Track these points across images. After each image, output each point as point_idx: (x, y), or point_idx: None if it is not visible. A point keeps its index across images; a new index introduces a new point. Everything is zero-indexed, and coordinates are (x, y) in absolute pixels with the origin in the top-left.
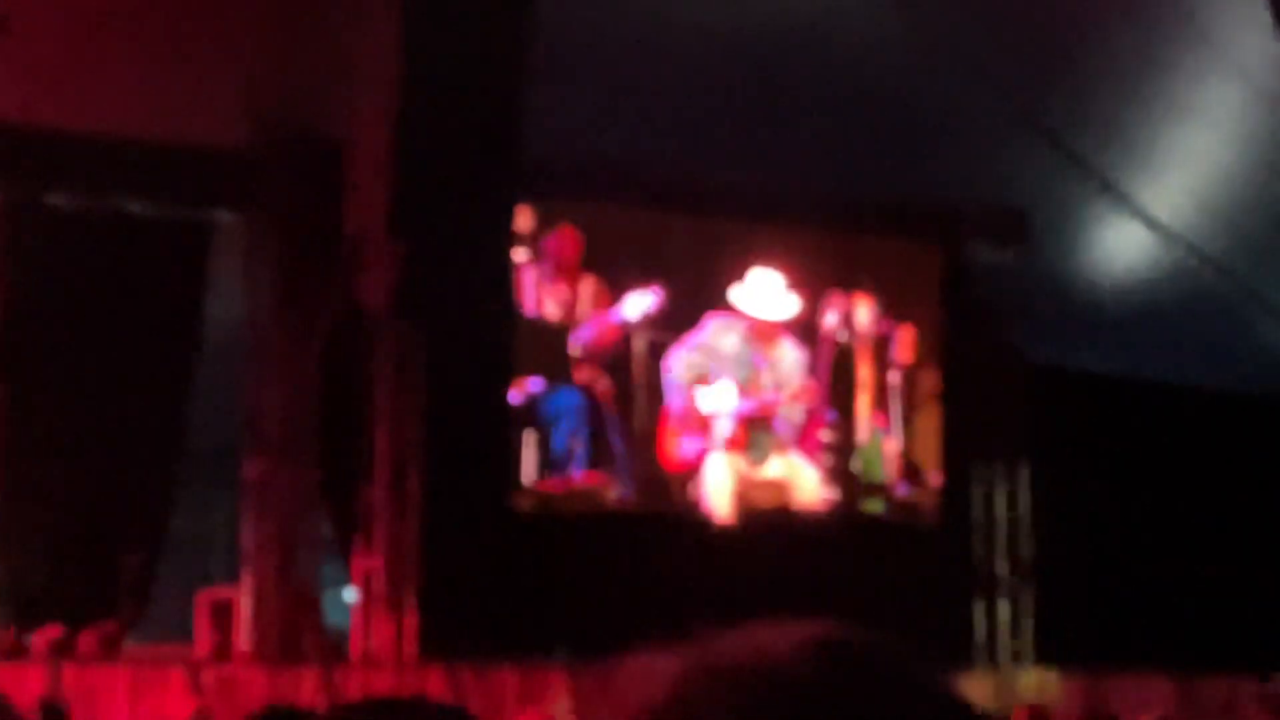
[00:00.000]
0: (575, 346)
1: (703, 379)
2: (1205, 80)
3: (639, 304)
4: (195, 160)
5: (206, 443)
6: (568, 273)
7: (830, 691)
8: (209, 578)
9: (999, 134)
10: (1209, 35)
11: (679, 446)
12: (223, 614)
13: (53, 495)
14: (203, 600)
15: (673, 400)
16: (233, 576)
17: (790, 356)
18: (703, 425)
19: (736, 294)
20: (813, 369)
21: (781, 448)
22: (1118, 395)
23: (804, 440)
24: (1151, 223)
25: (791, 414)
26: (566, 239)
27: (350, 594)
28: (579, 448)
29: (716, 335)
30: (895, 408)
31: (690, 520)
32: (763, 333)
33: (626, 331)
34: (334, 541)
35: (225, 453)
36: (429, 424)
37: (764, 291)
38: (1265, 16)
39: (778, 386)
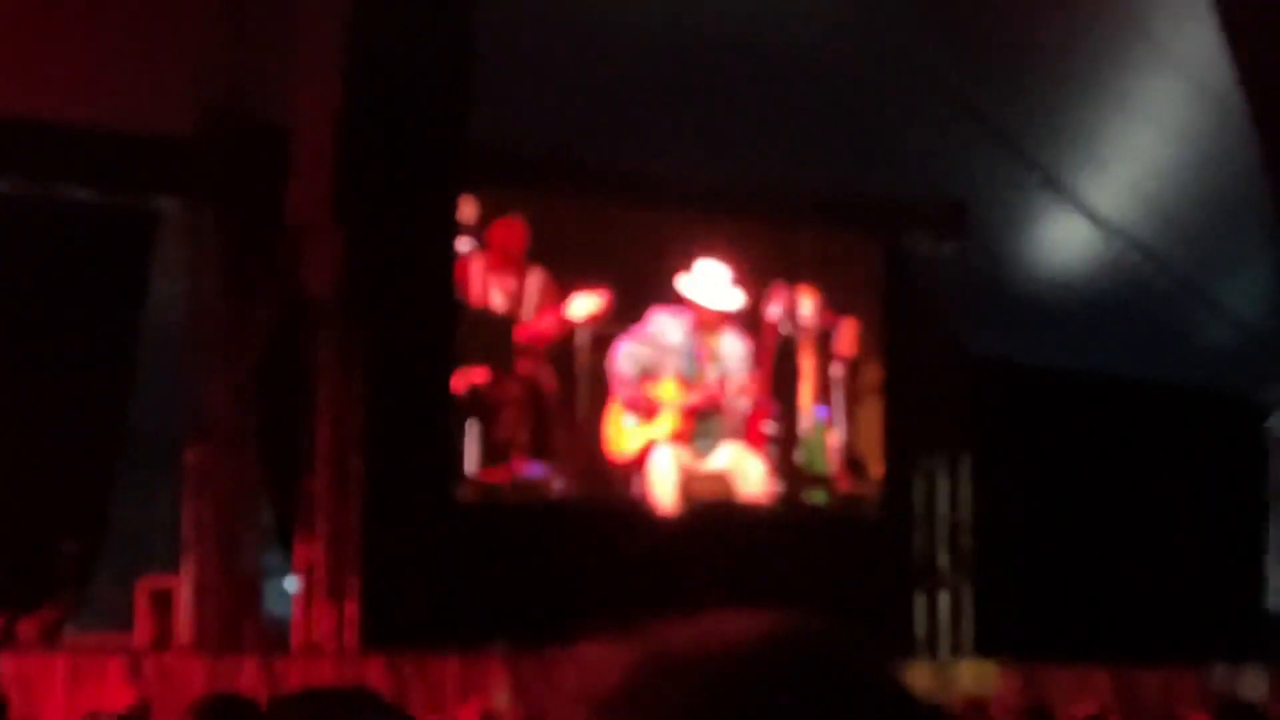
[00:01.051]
0: (521, 338)
1: (648, 372)
2: (1147, 74)
3: (585, 305)
4: (138, 147)
5: (148, 430)
6: (513, 263)
7: (784, 680)
8: (149, 566)
9: (941, 127)
10: (1150, 29)
11: (624, 439)
12: (163, 602)
13: None
14: (143, 588)
15: (619, 392)
16: (173, 565)
17: (734, 348)
18: (648, 415)
19: (682, 285)
20: (756, 361)
21: (726, 439)
22: (1059, 388)
23: (748, 432)
24: (1093, 216)
25: (737, 405)
26: (512, 229)
27: (292, 583)
28: (522, 438)
29: (661, 328)
30: (838, 400)
31: (633, 511)
32: (707, 324)
33: (572, 326)
34: (275, 530)
35: (167, 440)
36: (371, 413)
37: (709, 283)
38: (1206, 11)
39: (722, 378)
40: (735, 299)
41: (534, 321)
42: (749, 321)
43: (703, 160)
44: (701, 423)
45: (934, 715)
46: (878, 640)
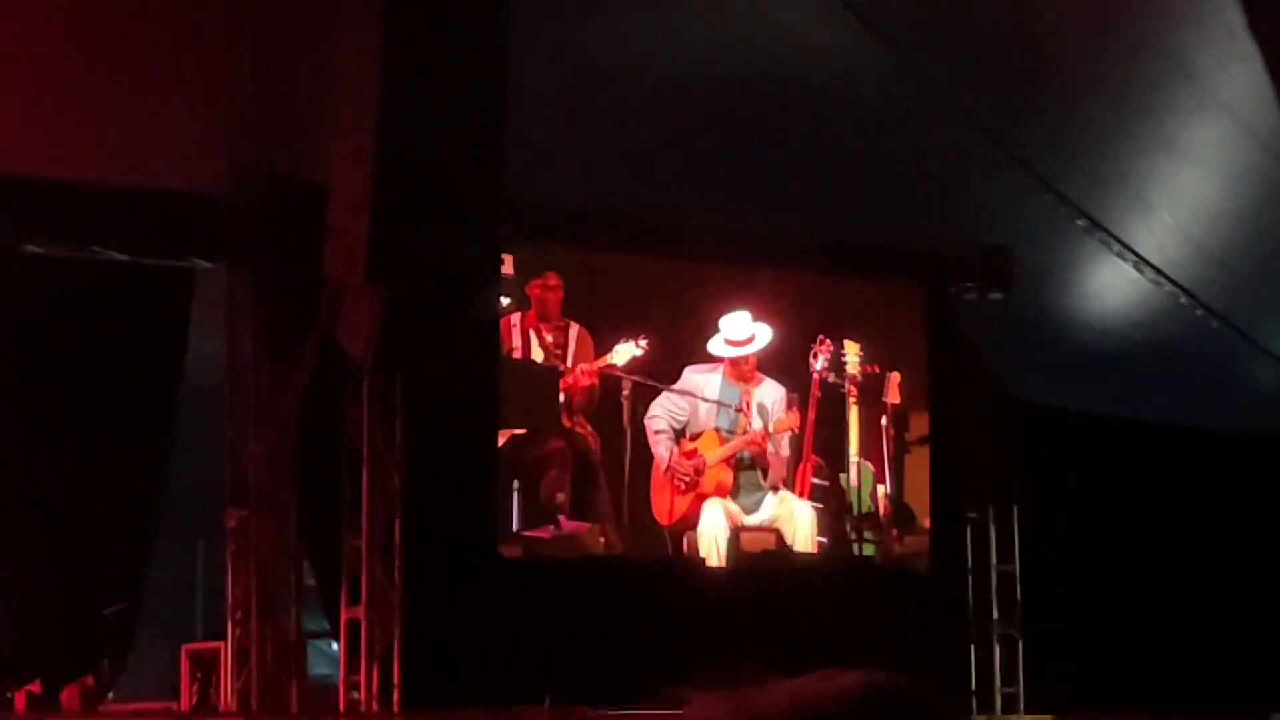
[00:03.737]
0: (562, 393)
1: (688, 430)
2: (1192, 117)
3: (626, 352)
4: (174, 207)
5: (187, 493)
6: (553, 320)
7: None
8: (191, 631)
9: (985, 174)
10: (1196, 73)
11: (668, 501)
12: (205, 667)
13: (30, 547)
14: (185, 654)
15: (658, 452)
16: (215, 629)
17: (774, 397)
18: (691, 473)
19: (713, 343)
20: (801, 413)
21: (773, 490)
22: (1108, 436)
23: (795, 484)
24: (1140, 262)
25: (780, 448)
26: (550, 285)
27: (334, 645)
28: (565, 495)
29: (698, 383)
30: (885, 451)
31: (682, 566)
32: (744, 376)
33: (613, 373)
34: (317, 592)
35: (206, 503)
36: (413, 472)
37: (736, 333)
38: (1253, 54)
39: (765, 429)
40: (763, 339)
41: (575, 374)
42: (793, 374)
43: (743, 212)
44: (746, 474)
45: None
46: (951, 697)
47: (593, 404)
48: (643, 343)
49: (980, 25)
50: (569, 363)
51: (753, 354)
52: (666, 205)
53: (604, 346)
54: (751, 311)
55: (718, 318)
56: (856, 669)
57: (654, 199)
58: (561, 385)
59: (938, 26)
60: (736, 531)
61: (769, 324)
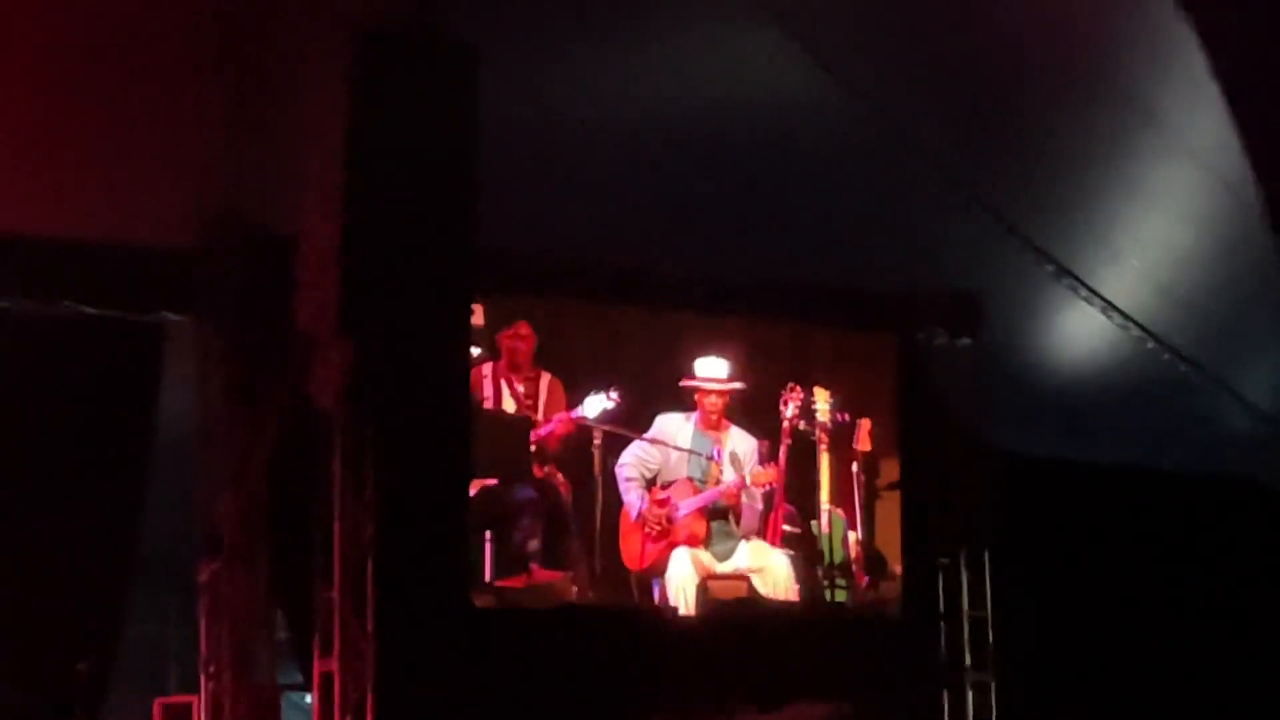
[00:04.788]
0: (533, 443)
1: (658, 478)
2: (1158, 163)
3: (598, 404)
4: (142, 261)
5: (160, 547)
6: (524, 370)
7: None
8: (165, 685)
9: (954, 221)
10: (1161, 119)
11: (638, 547)
12: None
13: (2, 603)
14: (159, 708)
15: (628, 499)
16: (189, 683)
17: (745, 446)
18: (663, 521)
19: (687, 381)
20: (773, 460)
21: (745, 539)
22: (1079, 481)
23: (767, 532)
24: (1108, 306)
25: (754, 501)
26: (521, 335)
27: (308, 698)
28: (538, 544)
29: (668, 430)
30: (857, 498)
31: (654, 614)
32: (715, 424)
33: (584, 428)
34: (291, 644)
35: (179, 556)
36: (385, 522)
37: (711, 374)
38: (1217, 98)
39: (737, 477)
40: (740, 390)
41: (546, 425)
42: (764, 422)
43: (712, 260)
44: (718, 523)
45: None
46: None
47: (565, 454)
48: (614, 395)
49: (948, 73)
50: (540, 413)
51: (726, 391)
52: (637, 254)
53: (576, 396)
54: (727, 359)
55: (689, 365)
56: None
57: (624, 248)
58: (533, 436)
59: (905, 74)
60: (705, 580)
61: (744, 377)
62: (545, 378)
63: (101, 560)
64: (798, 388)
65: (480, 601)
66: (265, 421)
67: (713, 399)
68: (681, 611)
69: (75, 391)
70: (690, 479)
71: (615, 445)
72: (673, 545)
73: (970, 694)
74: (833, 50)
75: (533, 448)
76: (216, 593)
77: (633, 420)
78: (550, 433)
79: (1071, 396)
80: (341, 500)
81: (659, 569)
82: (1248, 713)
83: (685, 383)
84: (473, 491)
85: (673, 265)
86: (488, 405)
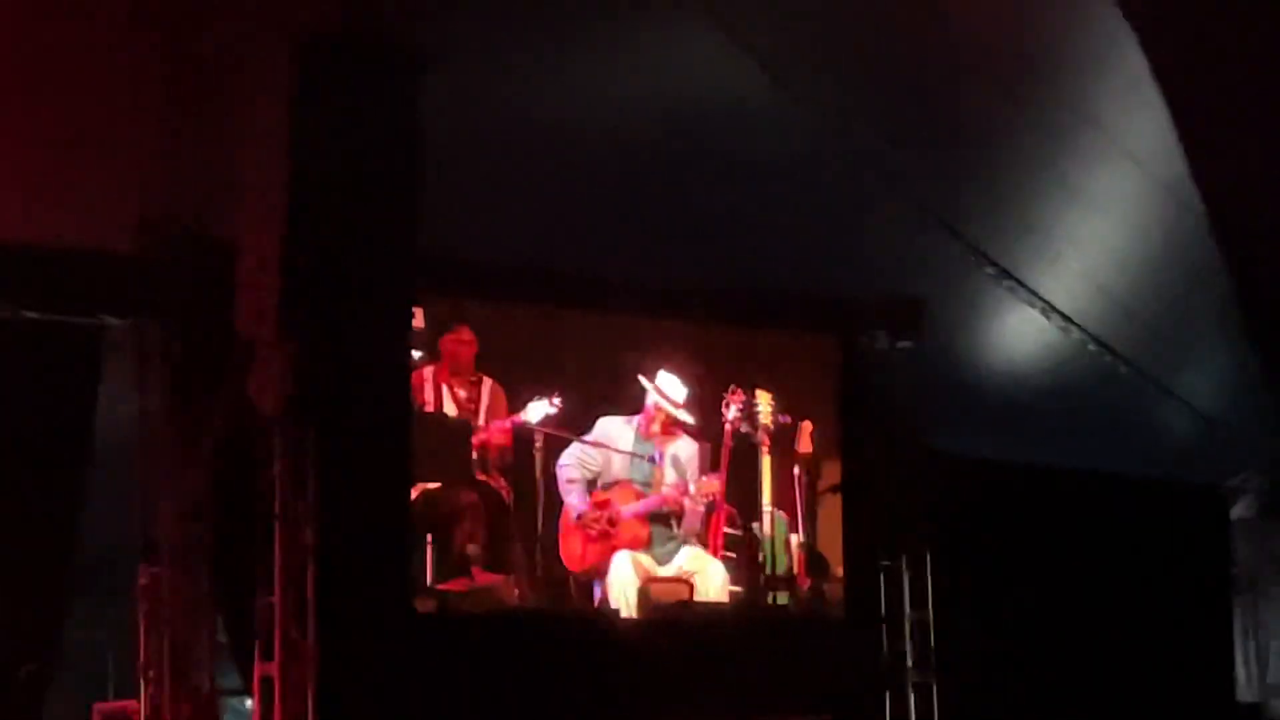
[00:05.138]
0: (474, 447)
1: (600, 480)
2: (1098, 166)
3: (540, 410)
4: (81, 265)
5: (99, 551)
6: (465, 374)
7: None
8: (104, 690)
9: (895, 224)
10: (1101, 121)
11: (579, 547)
12: None
13: None
14: (99, 713)
15: (569, 501)
16: (128, 688)
17: (688, 451)
18: (604, 523)
19: (632, 390)
20: (714, 464)
21: (686, 542)
22: (1021, 483)
23: (708, 535)
24: (1048, 309)
25: (695, 508)
26: (462, 340)
27: (248, 702)
28: (479, 548)
29: (610, 433)
30: (798, 500)
31: (594, 618)
32: (659, 428)
33: (526, 432)
34: (231, 648)
35: (119, 561)
36: (325, 527)
37: (660, 387)
38: (1157, 101)
39: (679, 482)
40: (680, 395)
41: (488, 429)
42: (705, 424)
43: (653, 264)
44: (659, 527)
45: None
46: None
47: (506, 460)
48: (556, 401)
49: (886, 77)
50: (482, 418)
51: (681, 421)
52: (578, 259)
53: (517, 401)
54: (664, 364)
55: (631, 369)
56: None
57: (565, 252)
58: (474, 442)
59: (844, 78)
60: (647, 583)
61: (686, 380)
62: (487, 383)
63: (41, 565)
64: (739, 390)
65: (421, 605)
66: (206, 425)
67: (663, 415)
68: (623, 614)
69: (14, 395)
70: (632, 481)
71: (557, 448)
72: (614, 548)
73: (912, 695)
74: (775, 55)
75: (475, 455)
76: (155, 597)
77: (574, 423)
78: (491, 440)
79: (1012, 399)
80: (282, 504)
81: (599, 571)
82: (1185, 713)
83: (652, 396)
84: (414, 495)
85: (616, 269)
86: (428, 409)
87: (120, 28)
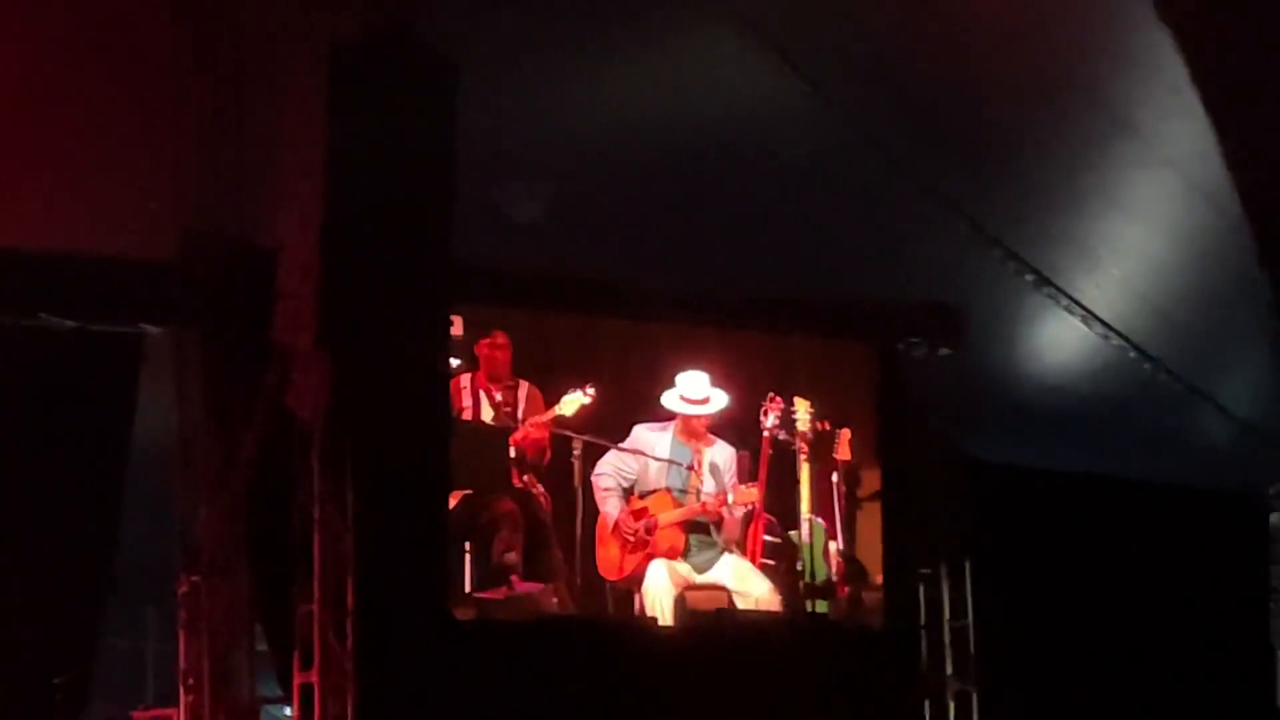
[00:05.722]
0: (512, 453)
1: (637, 489)
2: (1137, 173)
3: (575, 402)
4: (121, 274)
5: (138, 560)
6: (502, 379)
7: None
8: (143, 699)
9: (934, 230)
10: (1139, 129)
11: (616, 556)
12: None
13: None
14: None
15: (605, 509)
16: (168, 697)
17: (725, 458)
18: (641, 531)
19: (667, 397)
20: (752, 472)
21: (725, 551)
22: (1060, 491)
23: (747, 543)
24: (1088, 316)
25: (733, 516)
26: (497, 344)
27: (288, 710)
28: (517, 556)
29: (648, 442)
30: (837, 508)
31: (632, 626)
32: (695, 434)
33: (563, 431)
34: (270, 657)
35: (157, 570)
36: (364, 534)
37: (693, 392)
38: (1195, 107)
39: (718, 490)
40: (718, 403)
41: (525, 429)
42: (744, 432)
43: (692, 271)
44: (697, 535)
45: None
46: None
47: (543, 459)
48: (590, 391)
49: (925, 85)
50: (518, 422)
51: (706, 416)
52: (615, 265)
53: (554, 404)
54: (708, 374)
55: (668, 375)
56: None
57: (602, 259)
58: (511, 441)
59: (884, 86)
60: (684, 591)
61: (724, 387)
62: (524, 386)
63: (79, 574)
64: (778, 398)
65: (460, 614)
66: (244, 434)
67: (694, 422)
68: (661, 623)
69: (53, 404)
70: (669, 489)
71: (595, 455)
72: (650, 556)
73: (952, 704)
74: (813, 62)
75: (511, 453)
76: (195, 606)
77: (611, 430)
78: (528, 437)
79: (1051, 406)
80: (321, 512)
81: (636, 580)
82: (1230, 714)
83: (666, 403)
84: (452, 502)
85: (653, 277)
86: (466, 416)
87: (159, 39)
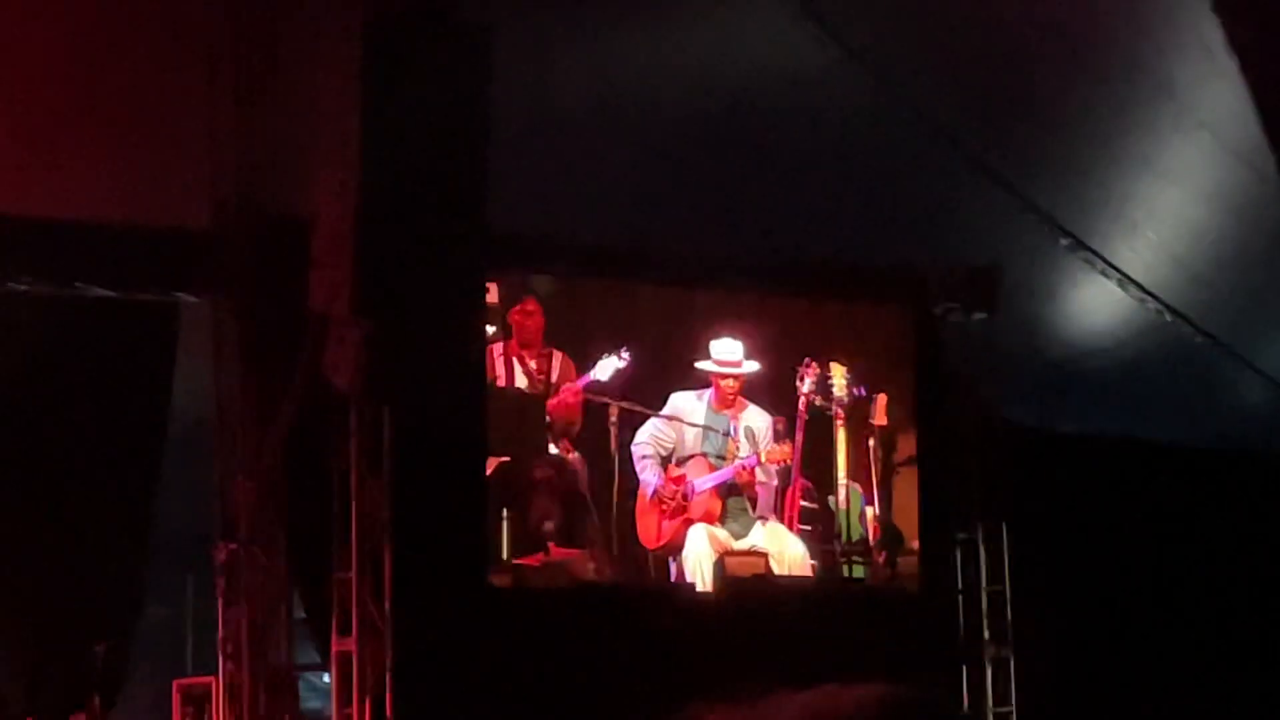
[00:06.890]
0: (548, 420)
1: (674, 455)
2: (1174, 137)
3: (609, 366)
4: (158, 242)
5: (176, 528)
6: (535, 346)
7: None
8: (183, 666)
9: (969, 195)
10: (1176, 91)
11: (655, 525)
12: (197, 702)
13: (19, 585)
14: (178, 688)
15: (644, 478)
16: (207, 664)
17: (761, 423)
18: (679, 498)
19: (701, 363)
20: (788, 437)
21: (761, 516)
22: (1096, 455)
23: (783, 508)
24: (1125, 280)
25: (769, 478)
26: (528, 311)
27: (326, 678)
28: (554, 523)
29: (683, 408)
30: (873, 473)
31: (670, 592)
32: (729, 400)
33: (599, 396)
34: (308, 625)
35: (195, 538)
36: (401, 502)
37: (726, 357)
38: (1232, 70)
39: (753, 455)
40: (750, 368)
41: (560, 394)
42: (780, 398)
43: (726, 236)
44: (734, 500)
45: None
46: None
47: (577, 425)
48: (625, 354)
49: (961, 47)
50: (553, 389)
51: (741, 375)
52: (649, 231)
53: (587, 371)
54: (741, 340)
55: (703, 341)
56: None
57: (636, 225)
58: (547, 407)
59: (917, 48)
60: (722, 556)
61: (756, 352)
62: (557, 355)
63: (118, 542)
64: (814, 363)
65: (497, 580)
66: (281, 402)
67: (729, 381)
68: (699, 588)
69: (90, 374)
70: (705, 455)
71: (631, 422)
72: (689, 522)
73: (989, 669)
74: (849, 27)
75: (549, 421)
76: (233, 574)
77: (647, 397)
78: (562, 401)
79: (1088, 370)
80: (358, 480)
81: (675, 547)
82: (1266, 686)
83: (699, 364)
84: (489, 469)
85: (686, 242)
86: (500, 383)
87: (196, 8)
